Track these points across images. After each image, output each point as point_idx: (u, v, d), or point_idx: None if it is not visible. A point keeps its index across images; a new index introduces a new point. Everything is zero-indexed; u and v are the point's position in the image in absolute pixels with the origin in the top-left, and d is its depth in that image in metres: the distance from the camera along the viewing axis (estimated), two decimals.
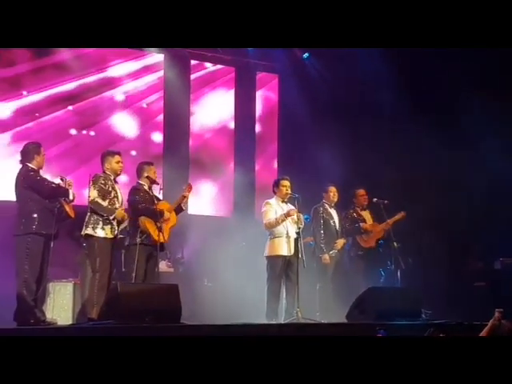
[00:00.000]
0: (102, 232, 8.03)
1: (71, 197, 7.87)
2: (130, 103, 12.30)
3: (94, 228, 8.01)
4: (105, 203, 8.08)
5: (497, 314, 5.45)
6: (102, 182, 8.15)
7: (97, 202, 8.03)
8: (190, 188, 8.79)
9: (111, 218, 8.05)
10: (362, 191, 10.30)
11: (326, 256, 9.60)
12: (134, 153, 12.06)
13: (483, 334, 4.83)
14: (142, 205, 8.40)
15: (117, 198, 8.24)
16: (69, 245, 9.27)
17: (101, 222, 8.03)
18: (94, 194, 8.05)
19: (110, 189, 8.20)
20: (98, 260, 7.98)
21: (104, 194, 8.11)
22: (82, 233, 8.09)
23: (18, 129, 10.90)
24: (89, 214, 8.09)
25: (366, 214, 10.28)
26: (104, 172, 8.31)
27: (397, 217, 9.99)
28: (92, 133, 11.76)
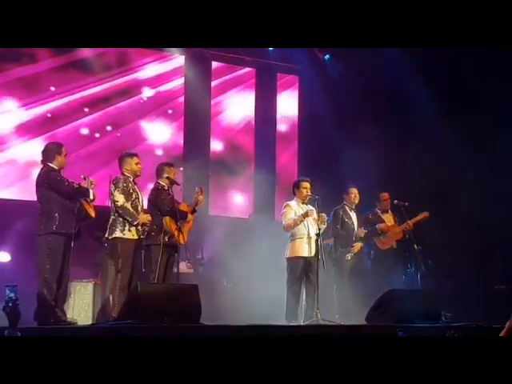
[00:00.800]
0: (129, 234, 8.10)
1: (91, 196, 7.87)
2: (154, 107, 12.34)
3: (122, 231, 8.07)
4: (130, 207, 8.14)
5: None
6: (124, 184, 8.20)
7: (126, 207, 8.09)
8: (201, 192, 8.78)
9: (135, 223, 8.09)
10: (386, 195, 10.20)
11: (348, 255, 9.61)
12: (159, 152, 12.13)
13: (502, 334, 4.79)
14: (167, 205, 8.42)
15: (138, 199, 8.29)
16: (89, 245, 9.32)
17: (128, 224, 8.09)
18: (121, 198, 8.11)
19: (131, 190, 8.25)
20: (121, 260, 8.04)
21: (127, 197, 8.16)
22: (110, 236, 8.12)
23: (46, 135, 10.92)
24: (113, 217, 8.15)
25: (388, 217, 10.20)
26: (123, 174, 8.35)
27: (418, 217, 9.89)
28: (112, 131, 11.82)
